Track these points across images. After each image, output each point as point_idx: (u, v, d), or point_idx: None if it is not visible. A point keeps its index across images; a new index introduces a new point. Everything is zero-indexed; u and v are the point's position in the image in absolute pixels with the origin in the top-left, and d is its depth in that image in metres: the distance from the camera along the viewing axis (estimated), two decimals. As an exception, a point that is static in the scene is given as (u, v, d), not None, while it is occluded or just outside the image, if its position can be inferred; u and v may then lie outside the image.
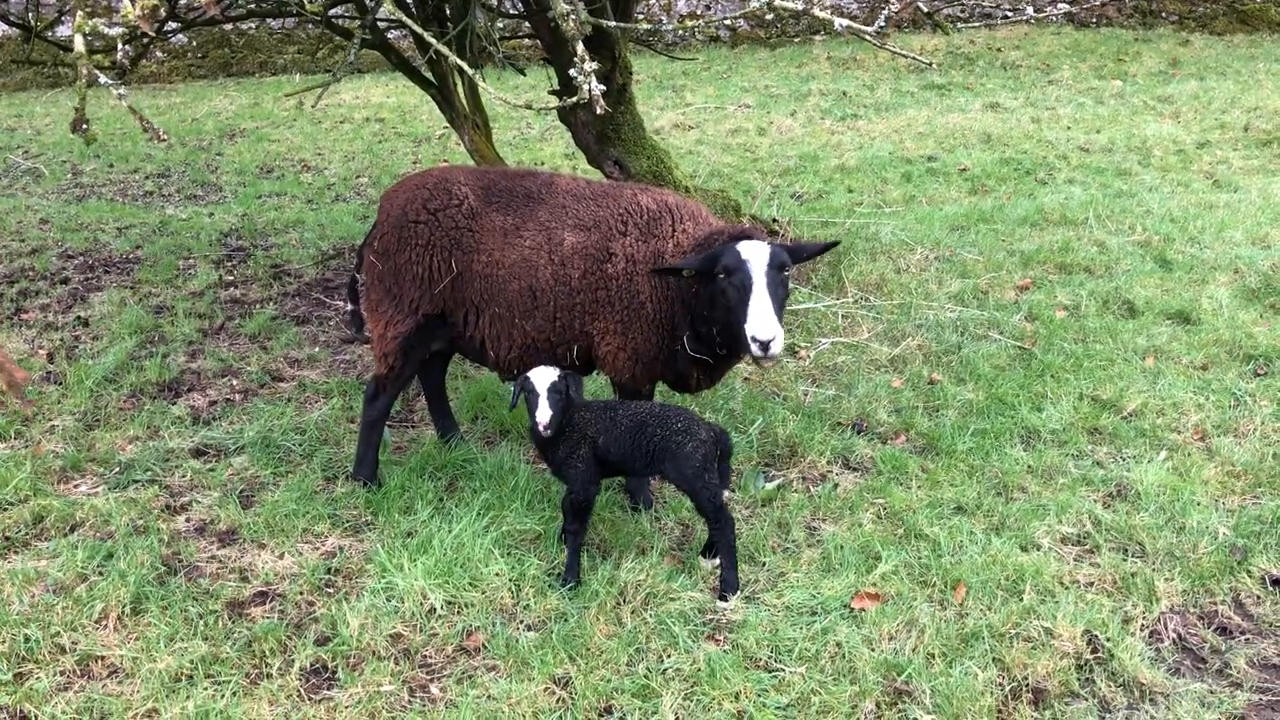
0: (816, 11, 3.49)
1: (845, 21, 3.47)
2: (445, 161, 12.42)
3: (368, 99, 16.77)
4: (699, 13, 18.41)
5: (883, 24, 3.57)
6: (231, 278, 8.39)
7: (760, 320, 4.11)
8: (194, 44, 19.60)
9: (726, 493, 4.35)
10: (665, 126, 13.84)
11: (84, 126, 3.77)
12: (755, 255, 4.19)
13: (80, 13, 3.70)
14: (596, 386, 5.98)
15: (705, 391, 5.20)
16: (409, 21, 4.63)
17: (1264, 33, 17.51)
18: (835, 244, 4.69)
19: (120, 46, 3.71)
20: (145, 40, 7.38)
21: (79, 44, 3.69)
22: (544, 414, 4.12)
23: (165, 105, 17.12)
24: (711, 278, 4.28)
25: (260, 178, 12.68)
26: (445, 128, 13.43)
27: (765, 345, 4.10)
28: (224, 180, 12.62)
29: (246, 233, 9.81)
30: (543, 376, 4.18)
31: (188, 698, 3.62)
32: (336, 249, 9.08)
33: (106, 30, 3.63)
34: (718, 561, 4.29)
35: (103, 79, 3.77)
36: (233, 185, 12.35)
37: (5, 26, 12.89)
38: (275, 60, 19.60)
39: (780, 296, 4.22)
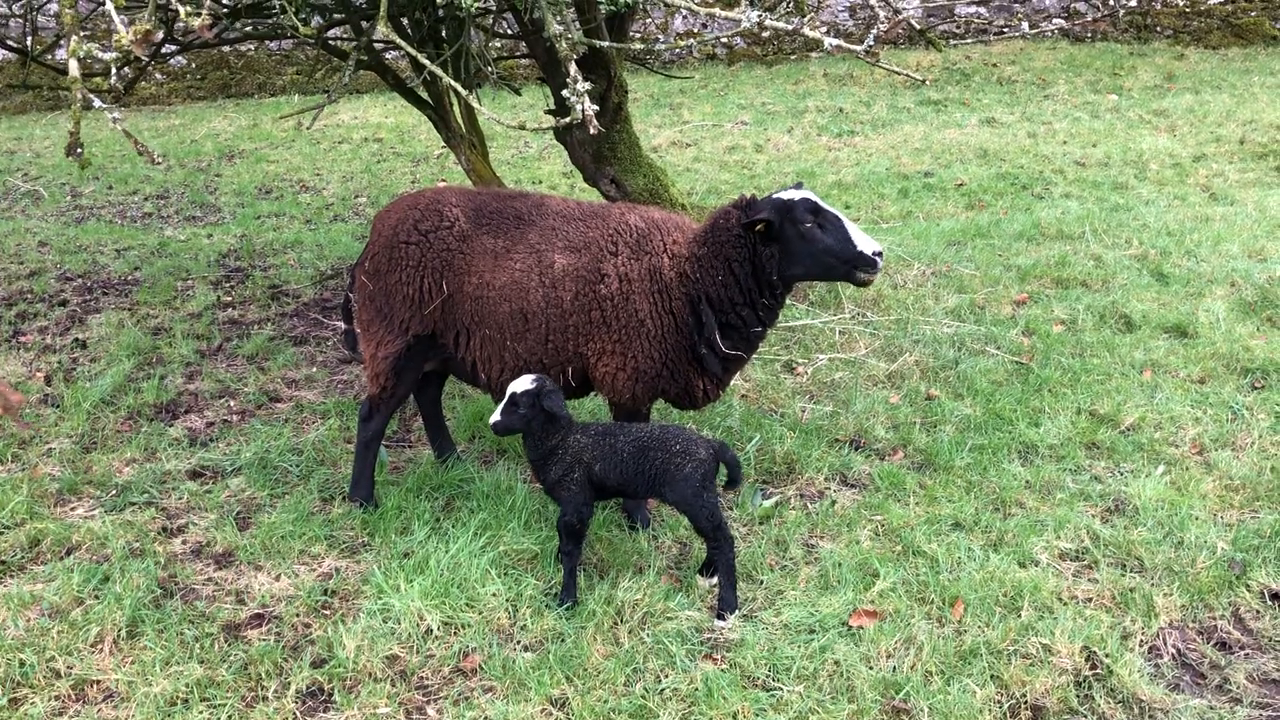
0: (807, 31, 3.50)
1: (835, 40, 3.49)
2: (443, 181, 12.45)
3: (366, 119, 16.83)
4: (695, 31, 18.48)
5: (871, 42, 3.59)
6: (230, 299, 8.40)
7: (865, 239, 4.47)
8: (193, 66, 19.69)
9: (733, 496, 4.37)
10: (663, 144, 13.88)
11: (79, 151, 3.79)
12: (813, 195, 4.56)
13: (75, 37, 3.72)
14: (595, 406, 5.98)
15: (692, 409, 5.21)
16: (403, 43, 4.66)
17: (1258, 46, 17.58)
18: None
19: (114, 71, 3.72)
20: (141, 64, 7.41)
21: (73, 68, 3.71)
22: (493, 417, 4.27)
23: (164, 127, 17.19)
24: (777, 231, 4.51)
25: (259, 198, 12.72)
26: (443, 147, 13.47)
27: (880, 254, 4.48)
28: (223, 201, 12.65)
29: (245, 253, 9.83)
30: (514, 385, 4.27)
31: (183, 722, 3.61)
32: (335, 269, 9.10)
33: (101, 54, 3.65)
34: (715, 580, 4.29)
35: (97, 102, 3.79)
36: (231, 206, 12.39)
37: (3, 51, 12.94)
38: (274, 81, 19.68)
39: None
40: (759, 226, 4.48)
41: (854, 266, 4.49)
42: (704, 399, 4.86)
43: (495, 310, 4.72)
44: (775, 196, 4.55)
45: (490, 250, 4.76)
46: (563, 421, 4.27)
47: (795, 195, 4.51)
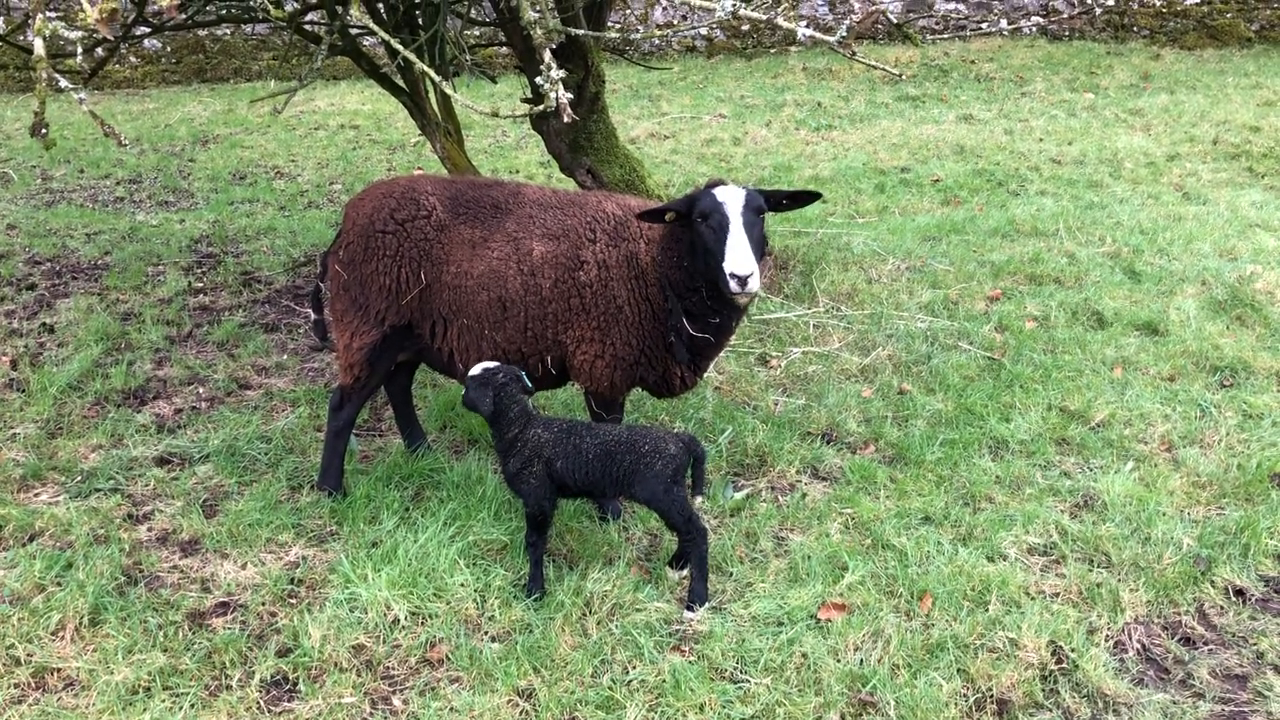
0: (781, 21, 3.48)
1: (809, 31, 3.48)
2: (420, 169, 12.37)
3: (342, 106, 16.70)
4: (674, 22, 18.44)
5: (844, 34, 3.58)
6: (201, 285, 8.32)
7: (737, 257, 4.20)
8: (167, 49, 19.48)
9: (699, 499, 4.36)
10: (641, 136, 13.84)
11: (44, 131, 3.72)
12: (731, 198, 4.31)
13: (41, 15, 3.65)
14: (568, 395, 5.96)
15: (672, 399, 5.19)
16: (377, 28, 4.61)
17: (1233, 48, 17.71)
18: (817, 196, 4.68)
19: (80, 51, 3.66)
20: (110, 45, 7.31)
21: (39, 47, 3.64)
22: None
23: (138, 110, 17.00)
24: (690, 223, 4.39)
25: (233, 184, 12.60)
26: (420, 136, 13.38)
27: (743, 280, 4.19)
28: (196, 186, 12.53)
29: (217, 239, 9.74)
30: (474, 369, 4.30)
31: (145, 710, 3.57)
32: (308, 256, 9.03)
33: (67, 33, 3.59)
34: (686, 572, 4.28)
35: (64, 83, 3.73)
36: (205, 191, 12.26)
37: (-26, 30, 12.72)
38: (250, 66, 19.50)
39: (756, 237, 4.31)
40: (669, 216, 4.44)
41: (717, 278, 4.29)
42: (681, 386, 4.84)
43: (473, 299, 4.69)
44: (701, 190, 4.45)
45: (468, 239, 4.73)
46: (515, 413, 4.25)
47: (722, 193, 4.34)
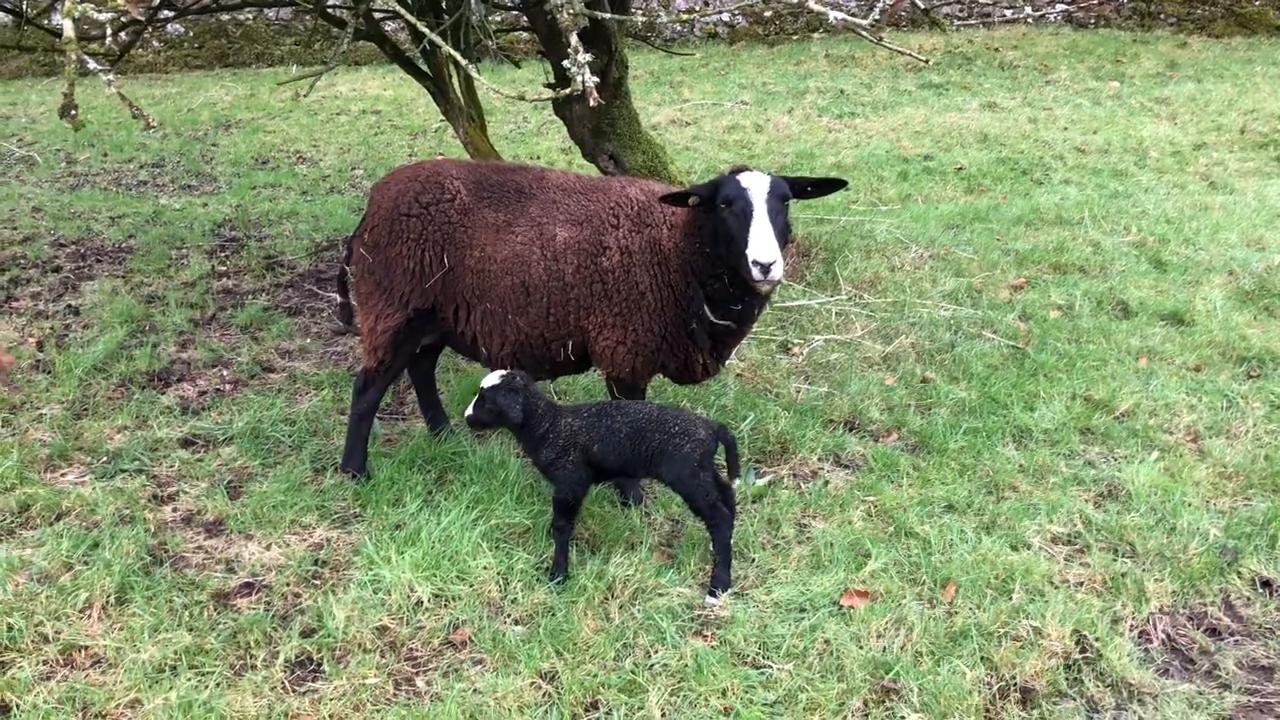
0: (811, 4, 3.46)
1: (840, 15, 3.46)
2: (441, 154, 12.38)
3: (364, 91, 16.72)
4: (697, 8, 18.37)
5: (877, 17, 3.55)
6: (224, 268, 8.35)
7: (760, 243, 4.18)
8: (191, 34, 19.54)
9: (735, 483, 4.35)
10: (663, 122, 13.81)
11: (72, 113, 3.74)
12: (756, 184, 4.27)
13: (70, -3, 3.66)
14: (589, 381, 5.96)
15: (694, 386, 5.18)
16: (403, 11, 4.61)
17: (1262, 36, 17.51)
18: (842, 183, 4.62)
19: (109, 33, 3.67)
20: (138, 27, 7.34)
21: (68, 29, 3.66)
22: (467, 411, 4.31)
23: (161, 95, 17.06)
24: (714, 209, 4.35)
25: (255, 169, 12.64)
26: (441, 121, 13.39)
27: (766, 268, 4.17)
28: (219, 171, 12.58)
29: (240, 223, 9.78)
30: (484, 382, 4.30)
31: (170, 688, 3.60)
32: (330, 241, 9.06)
33: (96, 15, 3.60)
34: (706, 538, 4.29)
35: (92, 64, 3.75)
36: (227, 176, 12.31)
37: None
38: (272, 51, 19.55)
39: (780, 225, 4.28)
40: (691, 201, 4.41)
41: (740, 266, 4.28)
42: (703, 373, 4.83)
43: (497, 284, 4.70)
44: (725, 176, 4.42)
45: (492, 223, 4.73)
46: (543, 409, 4.26)
47: (746, 179, 4.30)
